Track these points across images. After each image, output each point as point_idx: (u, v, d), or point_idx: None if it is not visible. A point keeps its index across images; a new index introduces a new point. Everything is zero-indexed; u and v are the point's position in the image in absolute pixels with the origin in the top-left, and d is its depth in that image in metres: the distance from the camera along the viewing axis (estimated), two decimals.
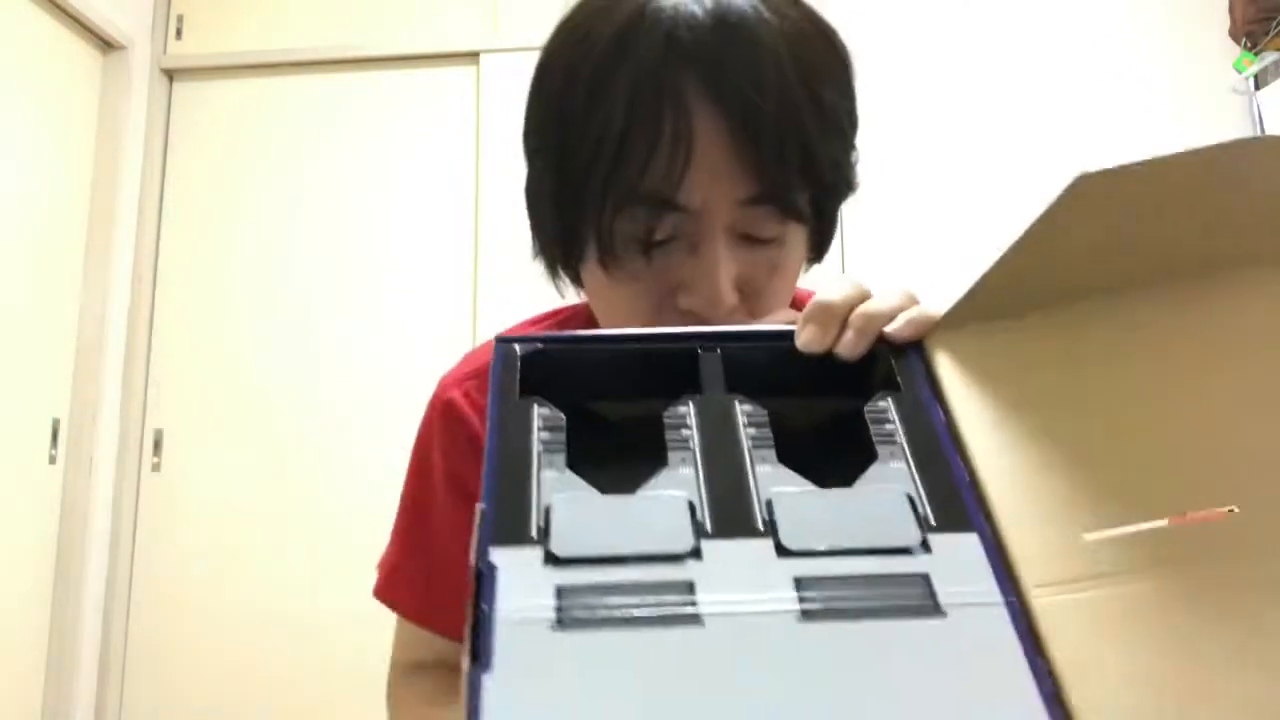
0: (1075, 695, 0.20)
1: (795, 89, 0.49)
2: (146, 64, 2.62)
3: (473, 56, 2.56)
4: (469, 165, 2.53)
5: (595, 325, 0.62)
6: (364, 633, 2.34)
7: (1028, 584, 0.23)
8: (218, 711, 2.36)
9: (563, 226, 0.55)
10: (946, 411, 0.29)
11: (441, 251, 2.52)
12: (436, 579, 0.63)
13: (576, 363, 0.32)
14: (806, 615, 0.23)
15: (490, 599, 0.23)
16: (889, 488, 0.27)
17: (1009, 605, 0.23)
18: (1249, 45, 2.28)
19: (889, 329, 0.34)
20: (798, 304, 0.67)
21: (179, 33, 2.70)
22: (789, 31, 0.50)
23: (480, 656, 0.22)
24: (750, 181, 0.49)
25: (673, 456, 0.28)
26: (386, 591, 0.66)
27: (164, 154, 2.66)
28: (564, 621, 0.23)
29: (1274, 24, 2.21)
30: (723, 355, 0.32)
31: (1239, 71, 2.34)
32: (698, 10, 0.49)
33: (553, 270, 0.59)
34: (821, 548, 0.25)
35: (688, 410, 0.30)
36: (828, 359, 0.33)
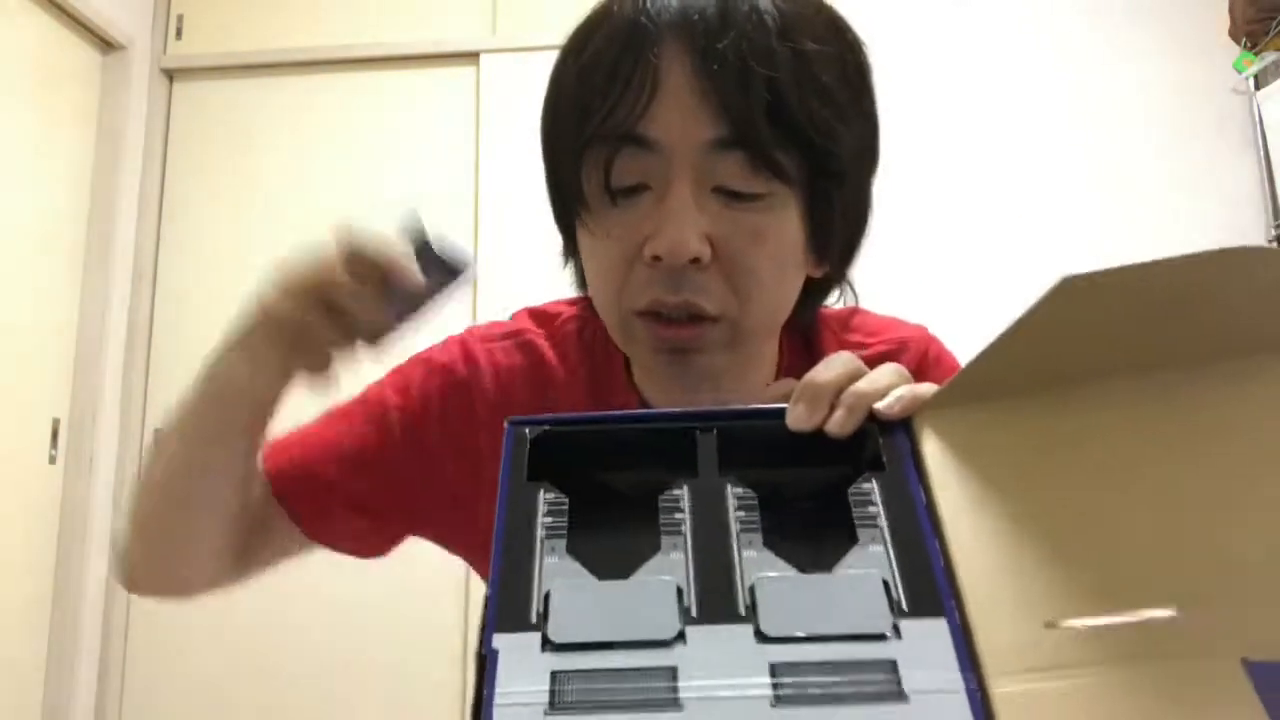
0: None
1: (769, 37, 0.49)
2: (146, 64, 2.62)
3: (473, 56, 2.56)
4: (469, 165, 2.53)
5: (585, 326, 0.65)
6: (364, 632, 2.34)
7: (990, 672, 0.24)
8: (217, 711, 2.36)
9: (551, 187, 0.57)
10: (928, 493, 0.30)
11: None
12: (328, 477, 0.63)
13: (581, 442, 0.35)
14: (779, 700, 0.24)
15: (491, 684, 0.25)
16: (867, 573, 0.28)
17: (970, 694, 0.24)
18: (1249, 45, 2.28)
19: (879, 406, 0.35)
20: (834, 324, 0.67)
21: (179, 33, 2.70)
22: (781, 3, 0.50)
23: None
24: (717, 123, 0.49)
25: (665, 541, 0.30)
26: (274, 452, 0.65)
27: (164, 154, 2.66)
28: (556, 706, 0.25)
29: (1274, 24, 2.21)
30: (719, 434, 0.33)
31: (1239, 71, 2.34)
32: None
33: (565, 258, 0.62)
34: (798, 634, 0.26)
35: (681, 494, 0.32)
36: (819, 435, 0.34)
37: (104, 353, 2.43)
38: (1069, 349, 0.30)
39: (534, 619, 0.27)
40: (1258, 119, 2.32)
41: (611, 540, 0.30)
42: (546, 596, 0.28)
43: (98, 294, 2.43)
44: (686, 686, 0.25)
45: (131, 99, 2.54)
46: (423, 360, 0.66)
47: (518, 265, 2.39)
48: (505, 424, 0.35)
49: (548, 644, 0.26)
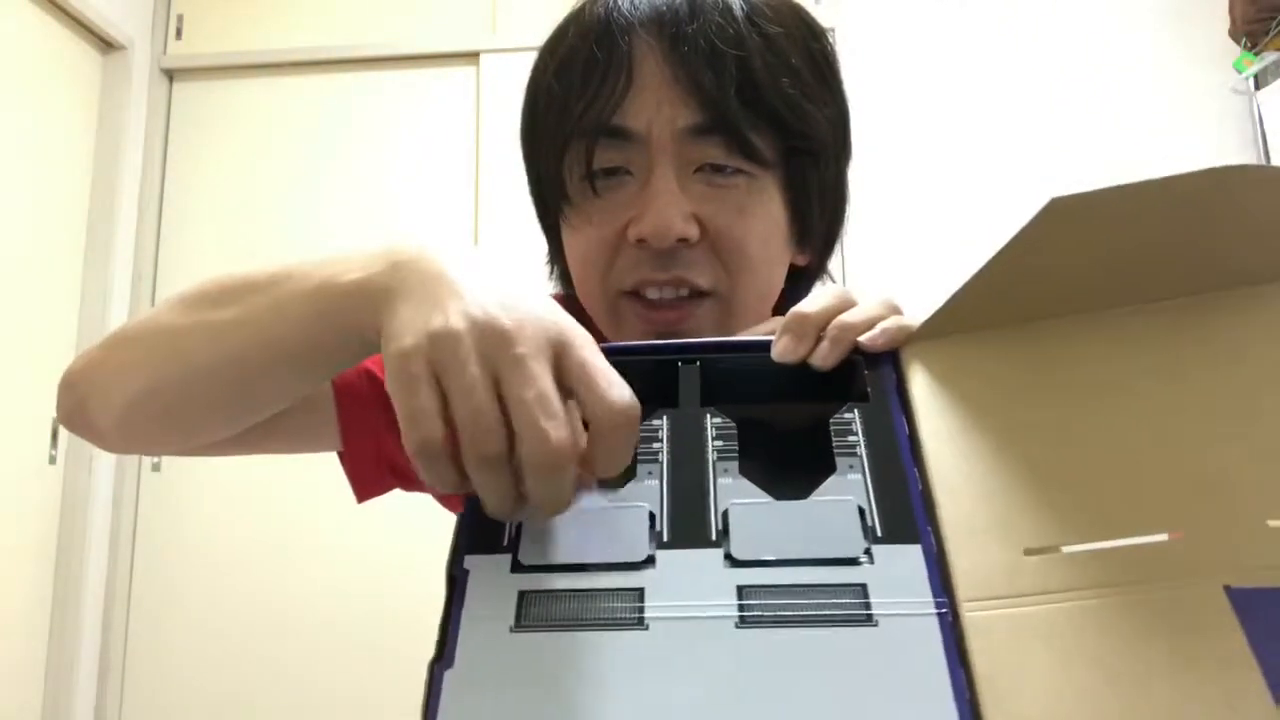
0: (991, 709, 0.21)
1: (737, 23, 0.50)
2: (146, 64, 2.62)
3: (473, 56, 2.56)
4: (469, 165, 2.53)
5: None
6: (364, 632, 2.34)
7: (963, 597, 0.24)
8: (218, 711, 2.36)
9: (534, 186, 0.57)
10: (911, 423, 0.30)
11: None
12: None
13: None
14: (744, 621, 0.24)
15: (460, 602, 0.25)
16: (842, 499, 0.28)
17: (940, 617, 0.24)
18: (1249, 45, 2.28)
19: (863, 339, 0.34)
20: None
21: (179, 33, 2.70)
22: None
23: (444, 654, 0.24)
24: (693, 109, 0.50)
25: (641, 469, 0.29)
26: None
27: (164, 154, 2.66)
28: (522, 623, 0.25)
29: (1274, 24, 2.21)
30: (702, 367, 0.33)
31: (1239, 71, 2.34)
32: None
33: (550, 263, 0.60)
34: (768, 557, 0.26)
35: (660, 424, 0.31)
36: (806, 369, 0.33)
37: None
38: (1059, 276, 0.29)
39: (505, 542, 0.27)
40: (1258, 119, 2.32)
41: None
42: (519, 519, 0.28)
43: (98, 294, 2.43)
44: (652, 607, 0.25)
45: (131, 99, 2.54)
46: None
47: (517, 265, 2.38)
48: None
49: (517, 566, 0.27)
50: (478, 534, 0.27)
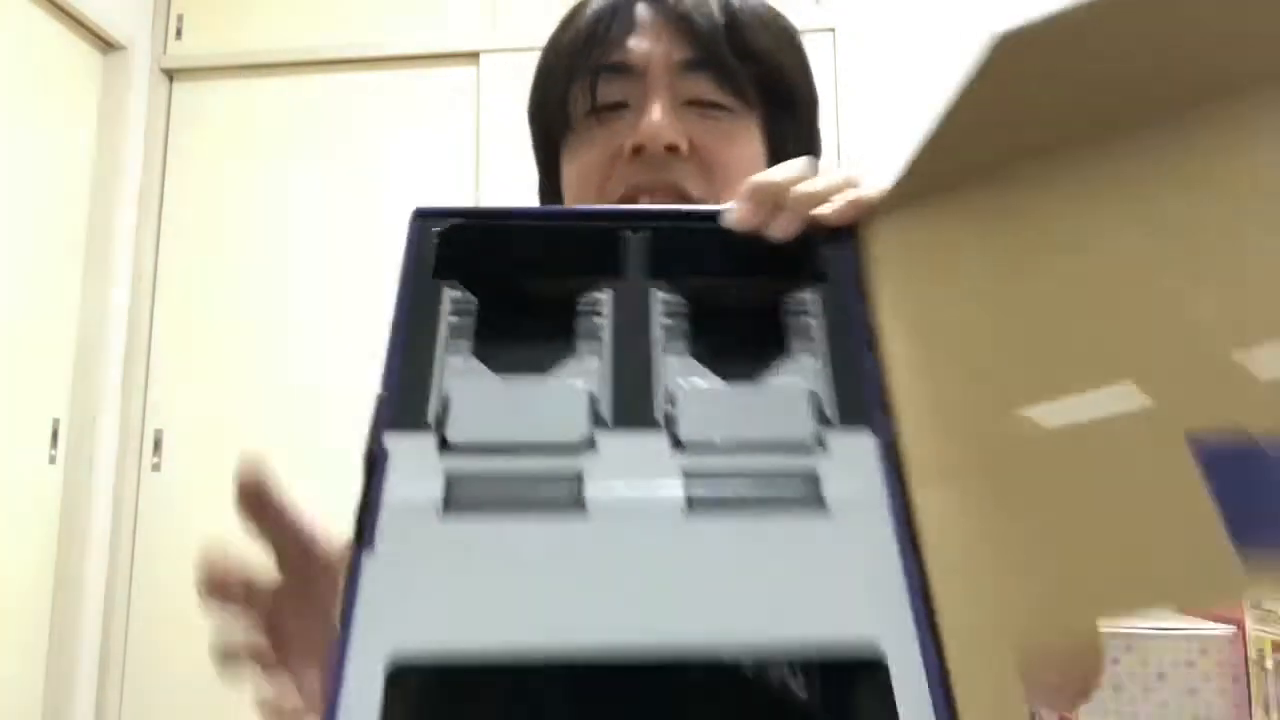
0: (941, 591, 0.20)
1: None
2: (146, 64, 2.62)
3: (473, 56, 2.56)
4: (469, 165, 2.53)
5: None
6: None
7: (917, 483, 0.23)
8: (218, 712, 2.35)
9: (537, 120, 0.63)
10: (869, 303, 0.28)
11: None
12: None
13: (498, 239, 0.31)
14: (691, 506, 0.23)
15: (380, 485, 0.24)
16: (794, 383, 0.27)
17: (892, 504, 0.23)
18: None
19: (821, 211, 0.32)
20: None
21: (179, 33, 2.70)
22: None
23: (365, 537, 0.23)
24: (686, 45, 0.57)
25: (581, 345, 0.28)
26: None
27: (164, 154, 2.66)
28: (450, 507, 0.23)
29: None
30: (653, 236, 0.30)
31: None
32: None
33: (542, 188, 0.65)
34: (716, 441, 0.25)
35: (604, 298, 0.29)
36: (763, 242, 0.31)
37: (104, 353, 2.43)
38: (1020, 119, 0.26)
39: (431, 420, 0.25)
40: None
41: (523, 344, 0.28)
42: (446, 397, 0.26)
43: (98, 294, 2.43)
44: (593, 489, 0.23)
45: (131, 99, 2.54)
46: None
47: None
48: (411, 216, 0.31)
49: (445, 446, 0.25)
50: (400, 410, 0.25)
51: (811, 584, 0.21)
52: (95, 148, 2.48)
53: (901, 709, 0.19)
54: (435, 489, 0.23)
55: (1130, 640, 1.48)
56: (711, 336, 0.28)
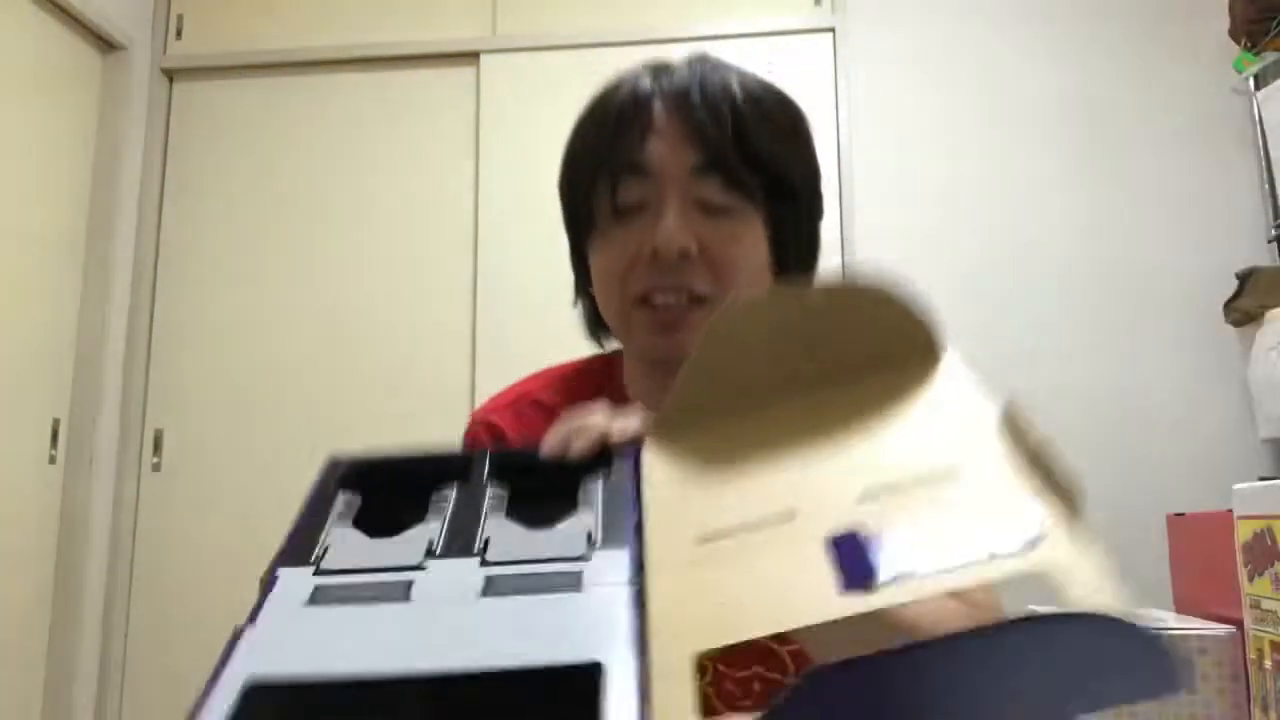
0: (655, 640, 0.29)
1: (734, 94, 0.66)
2: (146, 64, 2.63)
3: (473, 56, 2.56)
4: (469, 165, 2.53)
5: (604, 381, 0.76)
6: None
7: (651, 573, 0.33)
8: None
9: (569, 220, 0.72)
10: (638, 482, 0.41)
11: (441, 251, 2.52)
12: None
13: (385, 470, 0.44)
14: (484, 590, 0.32)
15: (268, 594, 0.34)
16: (577, 523, 0.37)
17: (632, 587, 0.32)
18: (1249, 45, 2.28)
19: (613, 438, 0.44)
20: None
21: (179, 33, 2.70)
22: (744, 78, 0.68)
23: (249, 620, 0.32)
24: (697, 151, 0.64)
25: (430, 516, 0.39)
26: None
27: (164, 154, 2.66)
28: (314, 600, 0.33)
29: (1274, 24, 2.21)
30: (491, 458, 0.43)
31: (1239, 71, 2.34)
32: (680, 61, 0.69)
33: (576, 295, 0.74)
34: (513, 559, 0.35)
35: (450, 492, 0.41)
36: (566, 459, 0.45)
37: (104, 353, 2.43)
38: (747, 373, 0.42)
39: (312, 559, 0.36)
40: (1258, 119, 2.32)
41: (391, 522, 0.38)
42: (326, 545, 0.37)
43: (98, 294, 2.43)
44: (418, 588, 0.33)
45: (131, 99, 2.54)
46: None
47: (518, 265, 2.39)
48: (326, 459, 0.44)
49: (319, 571, 0.35)
50: (292, 554, 0.36)
51: (561, 628, 0.30)
52: (95, 148, 2.48)
53: (613, 699, 0.26)
54: (305, 591, 0.33)
55: None
56: (526, 509, 0.39)
